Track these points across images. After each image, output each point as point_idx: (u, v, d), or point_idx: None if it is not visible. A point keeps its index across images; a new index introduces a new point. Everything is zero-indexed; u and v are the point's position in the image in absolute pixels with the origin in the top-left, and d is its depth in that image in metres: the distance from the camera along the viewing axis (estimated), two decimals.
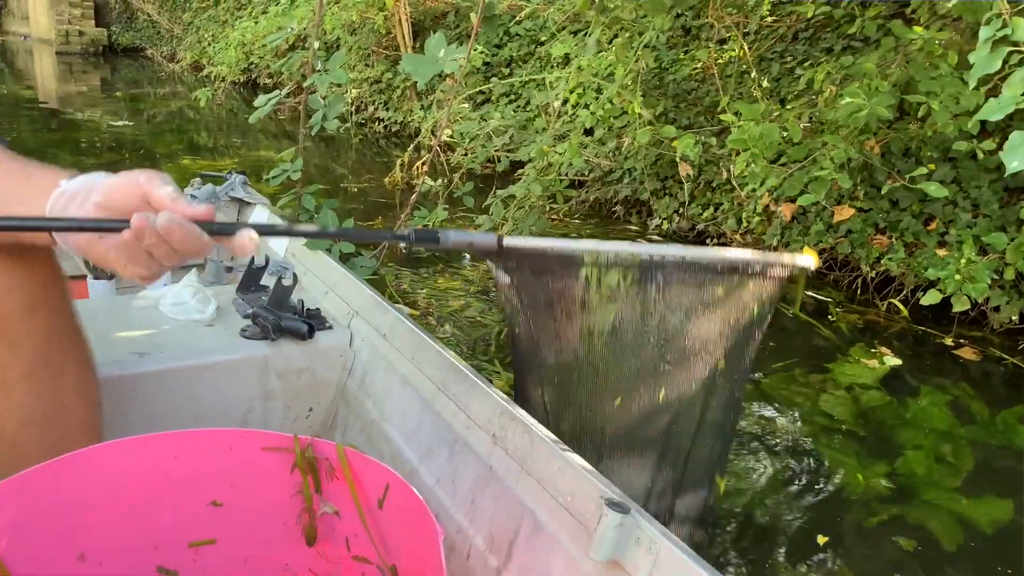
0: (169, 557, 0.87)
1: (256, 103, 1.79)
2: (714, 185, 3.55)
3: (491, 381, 0.98)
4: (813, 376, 2.36)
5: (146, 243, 0.64)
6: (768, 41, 4.01)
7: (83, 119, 6.81)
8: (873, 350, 2.56)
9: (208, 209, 0.66)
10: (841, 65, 3.00)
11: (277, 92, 1.77)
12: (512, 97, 5.20)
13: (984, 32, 1.14)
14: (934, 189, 2.34)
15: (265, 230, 0.68)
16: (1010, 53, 1.20)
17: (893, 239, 2.94)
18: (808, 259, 0.82)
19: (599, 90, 3.81)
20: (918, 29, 2.60)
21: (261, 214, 1.80)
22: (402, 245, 3.29)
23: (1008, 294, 2.65)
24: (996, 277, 2.58)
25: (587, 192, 4.14)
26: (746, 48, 3.70)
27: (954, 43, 2.60)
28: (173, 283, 1.40)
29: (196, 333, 1.26)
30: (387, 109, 6.41)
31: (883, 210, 3.00)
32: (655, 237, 3.76)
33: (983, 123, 2.48)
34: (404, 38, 6.13)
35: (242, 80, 8.37)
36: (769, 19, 4.03)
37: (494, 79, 5.33)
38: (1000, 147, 2.60)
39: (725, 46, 4.05)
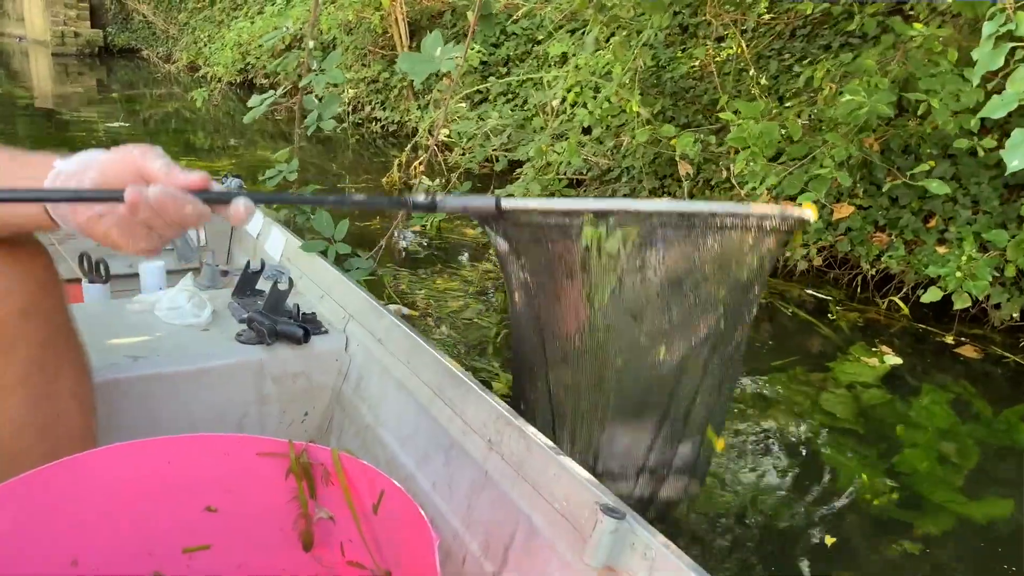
0: (164, 563, 0.87)
1: (250, 103, 1.78)
2: (713, 184, 3.54)
3: (489, 385, 0.97)
4: (814, 375, 2.35)
5: (142, 216, 0.64)
6: (766, 38, 3.99)
7: (79, 120, 6.79)
8: (874, 349, 2.55)
9: (202, 177, 0.66)
10: (841, 62, 2.99)
11: (272, 92, 1.76)
12: (510, 96, 5.18)
13: (987, 28, 1.12)
14: (935, 187, 2.33)
15: (260, 198, 0.68)
16: (1013, 49, 1.19)
17: (893, 236, 2.93)
18: (808, 212, 0.82)
19: (597, 89, 3.80)
20: (918, 26, 2.59)
21: (257, 218, 1.80)
22: (400, 238, 3.28)
23: (1009, 291, 2.64)
24: (997, 274, 2.57)
25: (585, 191, 4.13)
26: (744, 46, 3.68)
27: (953, 39, 2.59)
28: (169, 287, 1.40)
29: (191, 337, 1.25)
30: (384, 109, 6.39)
31: (883, 207, 2.99)
32: None
33: (983, 120, 2.47)
34: (401, 38, 6.11)
35: (238, 81, 8.35)
36: (767, 16, 4.02)
37: (491, 78, 5.31)
38: (1000, 144, 2.60)
39: (723, 44, 4.04)
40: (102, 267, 1.60)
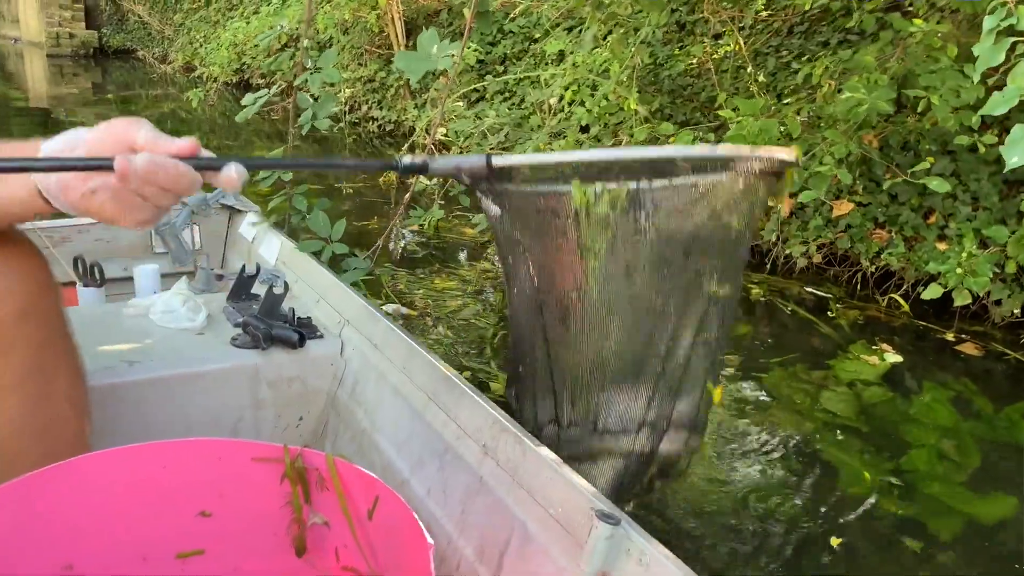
0: (157, 567, 0.86)
1: (244, 102, 1.76)
2: None
3: (487, 385, 0.97)
4: (814, 373, 2.34)
5: (133, 185, 0.63)
6: (763, 35, 3.98)
7: (75, 122, 6.77)
8: (874, 347, 2.54)
9: (190, 144, 0.65)
10: (839, 59, 2.98)
11: (265, 91, 1.74)
12: (507, 95, 5.17)
13: (988, 22, 1.11)
14: (936, 184, 2.32)
15: (251, 164, 0.67)
16: (1014, 44, 1.18)
17: (893, 233, 2.92)
18: (788, 154, 0.82)
19: (595, 87, 3.78)
20: (917, 22, 2.58)
21: (252, 221, 1.79)
22: (398, 245, 3.26)
23: (1009, 287, 2.63)
24: (997, 270, 2.56)
25: None
26: (742, 43, 3.67)
27: (952, 35, 2.58)
28: (163, 291, 1.39)
29: (186, 341, 1.25)
30: (381, 108, 6.37)
31: (882, 204, 2.98)
32: None
33: (983, 115, 2.46)
34: (397, 36, 6.09)
35: (234, 81, 8.33)
36: (764, 13, 4.01)
37: (488, 77, 5.30)
38: (1001, 140, 2.59)
39: (720, 41, 4.03)
40: (97, 270, 1.59)
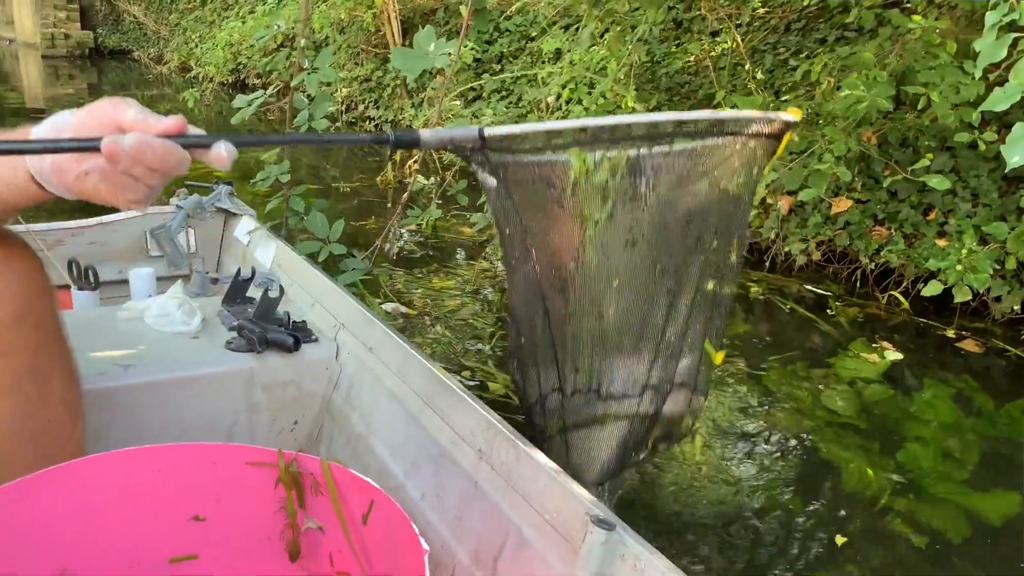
0: (150, 572, 0.86)
1: (236, 103, 1.75)
2: None
3: (486, 385, 0.96)
4: (815, 371, 2.33)
5: (123, 166, 0.63)
6: (761, 32, 3.97)
7: None
8: (874, 344, 2.53)
9: (178, 122, 0.65)
10: (838, 56, 2.97)
11: (260, 92, 1.73)
12: (504, 93, 5.15)
13: (990, 17, 1.10)
14: (936, 182, 2.31)
15: (240, 141, 0.66)
16: (1016, 40, 1.17)
17: (892, 230, 2.92)
18: (791, 116, 0.81)
19: (592, 85, 3.77)
20: (916, 18, 2.57)
21: (247, 225, 1.78)
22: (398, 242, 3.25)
23: (1009, 283, 2.62)
24: (997, 267, 2.56)
25: None
26: (739, 40, 3.66)
27: (951, 31, 2.57)
28: (158, 294, 1.39)
29: (181, 345, 1.25)
30: (377, 107, 6.35)
31: (881, 201, 2.98)
32: None
33: (982, 111, 2.45)
34: (394, 36, 6.07)
35: (230, 81, 8.31)
36: (761, 10, 4.00)
37: (485, 75, 5.29)
38: (1000, 136, 2.58)
39: (718, 38, 4.02)
40: (91, 274, 1.58)
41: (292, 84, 2.15)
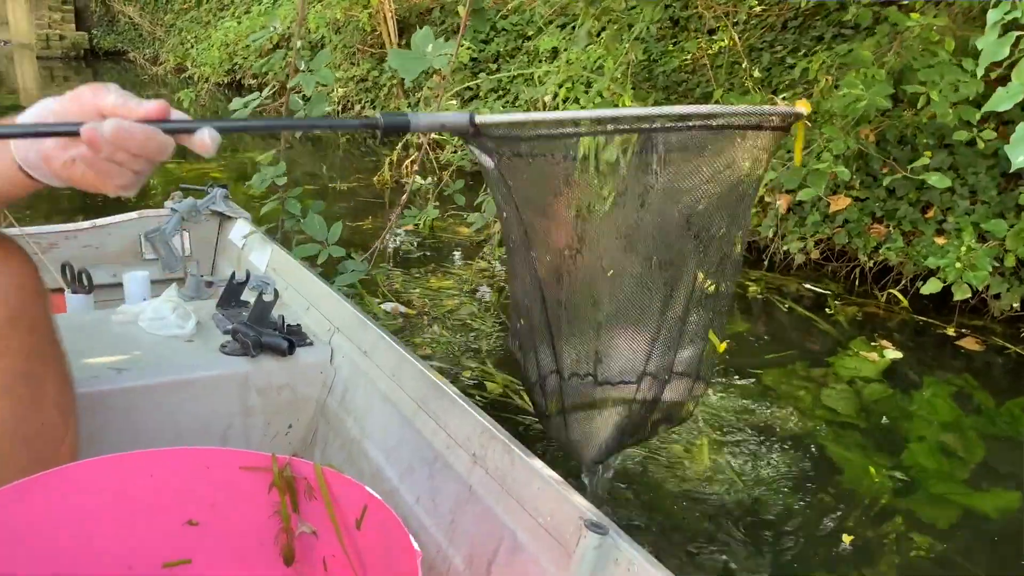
0: None
1: (232, 106, 1.73)
2: None
3: (484, 385, 0.95)
4: (814, 371, 2.32)
5: (105, 152, 0.63)
6: (758, 31, 3.97)
7: None
8: (873, 343, 2.52)
9: (159, 107, 0.64)
10: (836, 54, 2.96)
11: (256, 94, 1.72)
12: (500, 93, 5.14)
13: (992, 15, 1.09)
14: (936, 180, 2.31)
15: (225, 126, 0.66)
16: (1019, 38, 1.16)
17: (891, 228, 2.91)
18: (801, 109, 0.80)
19: (589, 83, 3.76)
20: (915, 16, 2.56)
21: (242, 228, 1.77)
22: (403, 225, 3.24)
23: (1008, 281, 2.62)
24: (996, 264, 2.55)
25: None
26: (736, 38, 3.65)
27: (948, 29, 2.57)
28: (153, 298, 1.39)
29: (175, 349, 1.25)
30: (374, 107, 6.34)
31: (879, 199, 2.97)
32: None
33: (980, 108, 2.44)
34: (390, 35, 6.06)
35: (226, 81, 8.29)
36: (758, 8, 3.99)
37: (482, 74, 5.27)
38: (998, 133, 2.57)
39: (715, 36, 4.01)
40: (85, 277, 1.57)
41: (288, 85, 2.14)
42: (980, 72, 1.15)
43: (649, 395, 0.98)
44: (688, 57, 4.10)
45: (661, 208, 0.87)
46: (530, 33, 5.47)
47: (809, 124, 2.59)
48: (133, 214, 1.79)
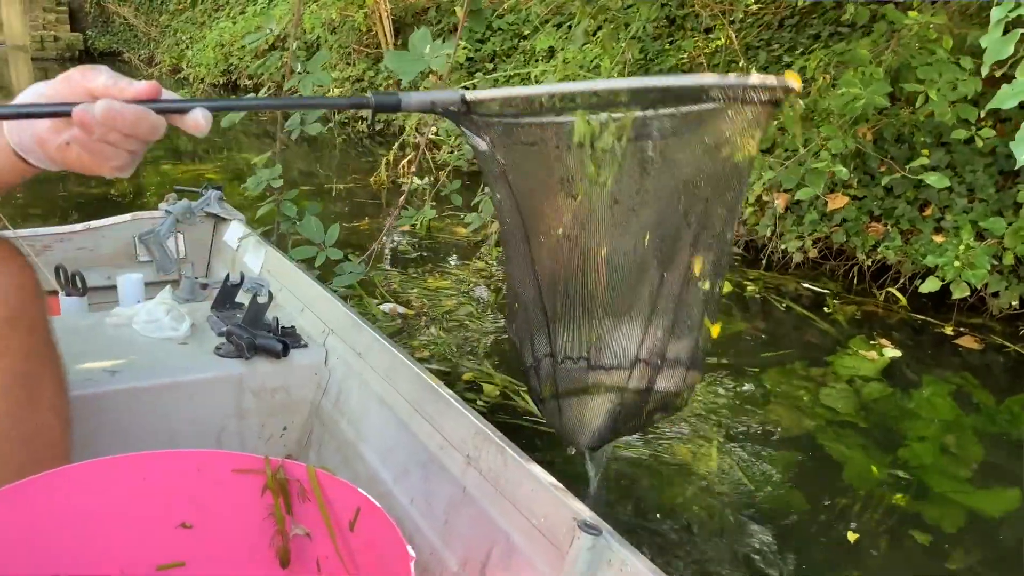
0: None
1: None
2: None
3: (481, 387, 0.95)
4: (813, 370, 2.31)
5: (97, 134, 0.63)
6: (754, 29, 3.96)
7: None
8: (872, 342, 2.52)
9: (150, 87, 0.64)
10: (833, 52, 2.96)
11: (252, 96, 1.70)
12: None
13: (996, 13, 1.08)
14: (935, 180, 2.30)
15: (218, 106, 0.66)
16: (1023, 36, 1.15)
17: (888, 226, 2.91)
18: (792, 81, 0.80)
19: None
20: (912, 14, 2.56)
21: (237, 230, 1.76)
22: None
23: (1007, 279, 2.62)
24: (995, 262, 2.55)
25: None
26: (733, 36, 3.65)
27: (946, 27, 2.56)
28: (147, 300, 1.38)
29: (169, 351, 1.25)
30: None
31: (877, 197, 2.97)
32: None
33: (977, 106, 2.44)
34: (385, 35, 6.05)
35: (222, 82, 8.26)
36: (754, 7, 3.99)
37: (478, 74, 5.26)
38: (995, 130, 2.57)
39: (711, 35, 4.00)
40: (79, 279, 1.56)
41: (285, 87, 2.12)
42: (985, 70, 1.14)
43: (643, 381, 0.98)
44: (685, 56, 4.09)
45: (655, 185, 0.87)
46: (526, 32, 5.46)
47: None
48: (127, 216, 1.78)
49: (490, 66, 5.53)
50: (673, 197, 0.88)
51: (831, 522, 1.62)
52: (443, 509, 0.97)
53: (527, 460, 0.89)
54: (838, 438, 1.95)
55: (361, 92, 6.48)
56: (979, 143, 2.42)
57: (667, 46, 4.26)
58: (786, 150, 2.82)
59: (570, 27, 4.29)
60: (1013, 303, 2.61)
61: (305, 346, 1.29)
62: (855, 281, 3.00)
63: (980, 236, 2.63)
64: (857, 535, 1.57)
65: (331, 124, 6.20)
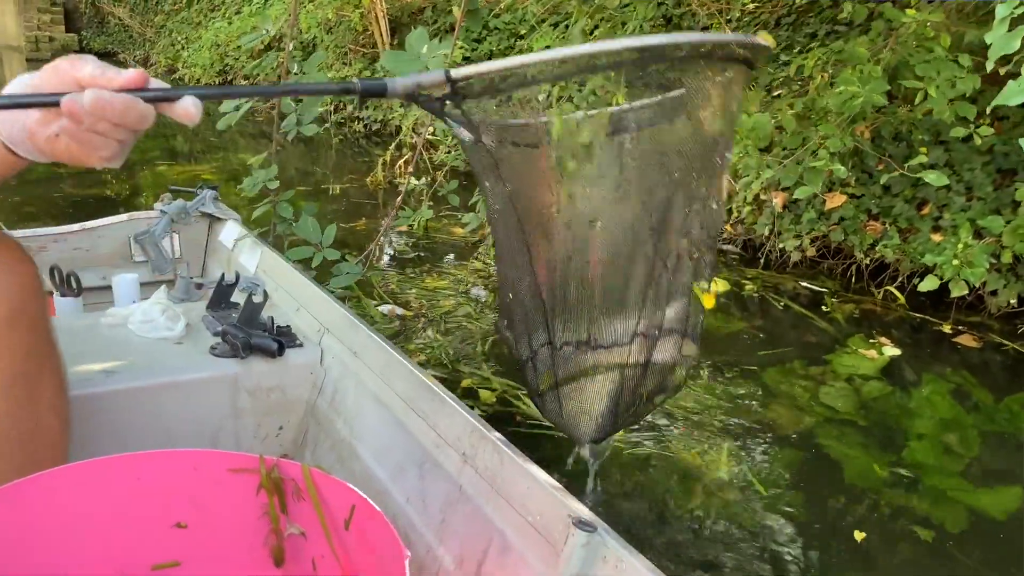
0: None
1: (223, 108, 1.71)
2: None
3: (477, 393, 0.95)
4: (812, 369, 2.31)
5: (86, 124, 0.62)
6: (751, 27, 3.96)
7: None
8: (871, 340, 2.51)
9: (137, 76, 0.63)
10: (831, 51, 2.95)
11: (243, 86, 1.69)
12: None
13: (1001, 10, 1.08)
14: (934, 178, 2.30)
15: (207, 94, 0.66)
16: None
17: (887, 225, 2.90)
18: (764, 41, 0.81)
19: (582, 82, 3.74)
20: (910, 12, 2.55)
21: (232, 229, 1.75)
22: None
23: (1005, 277, 2.61)
24: (993, 260, 2.55)
25: None
26: None
27: (944, 25, 2.56)
28: (142, 300, 1.38)
29: (165, 351, 1.24)
30: (366, 108, 6.31)
31: (875, 196, 2.96)
32: None
33: (975, 104, 2.44)
34: (382, 35, 6.04)
35: (217, 82, 8.24)
36: (751, 5, 3.99)
37: None
38: (993, 128, 2.56)
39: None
40: (74, 280, 1.55)
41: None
42: (990, 66, 1.13)
43: (640, 358, 0.98)
44: None
45: (640, 166, 0.88)
46: (523, 32, 5.46)
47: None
48: (122, 216, 1.77)
49: None
50: (659, 173, 0.89)
51: (835, 521, 1.62)
52: (439, 507, 0.97)
53: (523, 458, 0.89)
54: (838, 436, 1.95)
55: None
56: (977, 141, 2.42)
57: None
58: (784, 148, 2.82)
59: (567, 26, 4.28)
60: (1011, 301, 2.61)
61: (300, 345, 1.29)
62: (853, 280, 3.00)
63: (978, 234, 2.63)
64: (864, 534, 1.57)
65: (327, 124, 6.19)
